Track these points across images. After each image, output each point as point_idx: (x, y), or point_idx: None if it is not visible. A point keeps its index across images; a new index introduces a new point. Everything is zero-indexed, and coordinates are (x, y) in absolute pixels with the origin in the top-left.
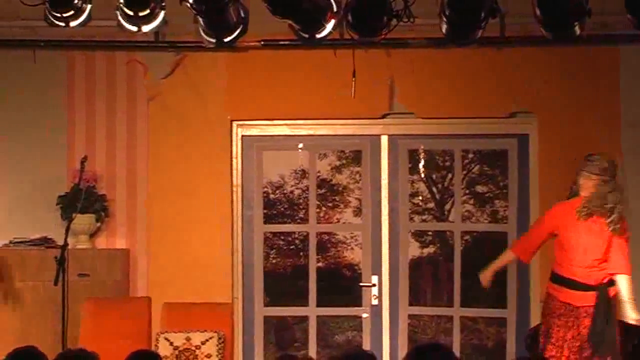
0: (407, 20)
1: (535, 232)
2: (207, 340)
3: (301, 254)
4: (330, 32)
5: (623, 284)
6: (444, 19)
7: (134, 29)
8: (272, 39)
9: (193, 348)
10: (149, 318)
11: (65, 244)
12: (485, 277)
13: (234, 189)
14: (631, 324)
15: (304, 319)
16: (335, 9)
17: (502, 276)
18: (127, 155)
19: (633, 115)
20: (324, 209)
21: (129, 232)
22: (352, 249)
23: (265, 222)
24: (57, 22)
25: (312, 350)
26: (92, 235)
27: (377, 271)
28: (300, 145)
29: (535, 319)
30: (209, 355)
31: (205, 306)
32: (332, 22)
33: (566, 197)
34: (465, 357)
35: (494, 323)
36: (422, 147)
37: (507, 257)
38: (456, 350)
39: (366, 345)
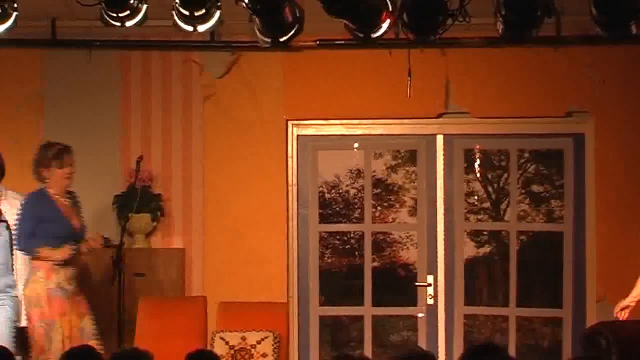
0: (462, 20)
1: None
2: (262, 340)
3: (357, 253)
4: (385, 32)
5: None
6: (500, 18)
7: (190, 29)
8: (328, 39)
9: (249, 347)
10: (205, 318)
11: (122, 244)
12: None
13: (290, 188)
14: None
15: (360, 318)
16: (391, 8)
17: (558, 276)
18: (183, 155)
19: None
20: (379, 208)
21: (185, 231)
22: (407, 248)
23: (320, 222)
24: (113, 22)
25: (368, 350)
26: (149, 235)
27: (433, 271)
28: (356, 145)
29: (591, 319)
30: (265, 355)
31: (260, 306)
32: (388, 22)
33: None
34: (520, 357)
35: (550, 323)
36: (477, 146)
37: None
38: (512, 350)
39: (422, 346)
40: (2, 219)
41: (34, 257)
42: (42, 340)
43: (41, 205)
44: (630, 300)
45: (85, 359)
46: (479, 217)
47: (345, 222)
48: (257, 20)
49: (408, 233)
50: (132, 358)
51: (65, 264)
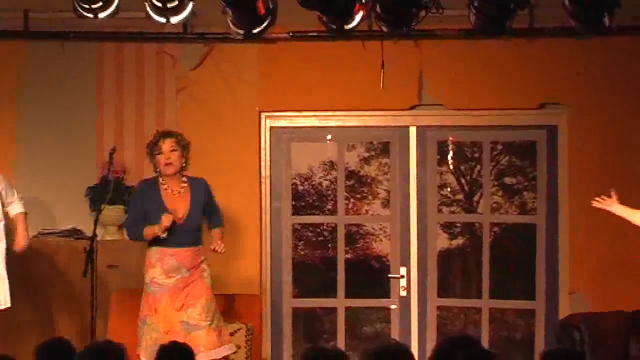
0: (435, 12)
1: None
2: (235, 332)
3: (329, 245)
4: (358, 24)
5: None
6: (473, 10)
7: (163, 20)
8: (301, 31)
9: None
10: None
11: (94, 235)
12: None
13: (263, 180)
14: None
15: (333, 310)
16: (363, 0)
17: (531, 268)
18: None
19: None
20: (352, 200)
21: None
22: (380, 240)
23: (293, 214)
24: (85, 14)
25: (341, 342)
26: (121, 226)
27: (406, 263)
28: (329, 137)
29: (563, 311)
30: (237, 347)
31: (233, 298)
32: (361, 13)
33: None
34: (494, 349)
35: (522, 315)
36: (450, 138)
37: None
38: (485, 342)
39: (395, 337)
40: None
41: (142, 240)
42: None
43: (145, 193)
44: (617, 208)
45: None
46: (452, 208)
47: (318, 214)
48: (230, 11)
49: (381, 225)
50: (105, 351)
51: (163, 257)
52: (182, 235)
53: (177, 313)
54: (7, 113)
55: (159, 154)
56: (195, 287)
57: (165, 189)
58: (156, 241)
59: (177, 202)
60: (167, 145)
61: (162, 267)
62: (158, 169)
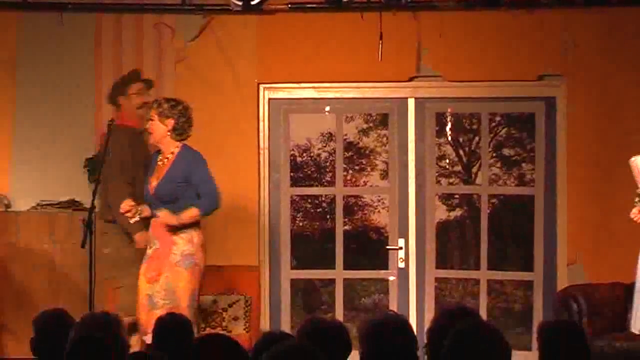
0: None
1: None
2: (233, 303)
3: (328, 217)
4: None
5: None
6: None
7: None
8: (300, 2)
9: (220, 311)
10: None
11: (93, 207)
12: None
13: (261, 152)
14: None
15: (331, 281)
16: None
17: (529, 239)
18: None
19: None
20: (350, 172)
21: None
22: (378, 212)
23: (292, 185)
24: None
25: (339, 313)
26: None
27: (404, 234)
28: (327, 108)
29: (561, 282)
30: (235, 318)
31: (231, 269)
32: None
33: None
34: (492, 320)
35: (520, 286)
36: (449, 110)
37: None
38: (483, 313)
39: (393, 309)
40: None
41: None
42: None
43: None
44: None
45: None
46: (450, 180)
47: (317, 185)
48: None
49: (379, 196)
50: (101, 322)
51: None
52: (154, 205)
53: (147, 285)
54: (5, 85)
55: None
56: (163, 261)
57: (160, 159)
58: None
59: (159, 170)
60: (149, 113)
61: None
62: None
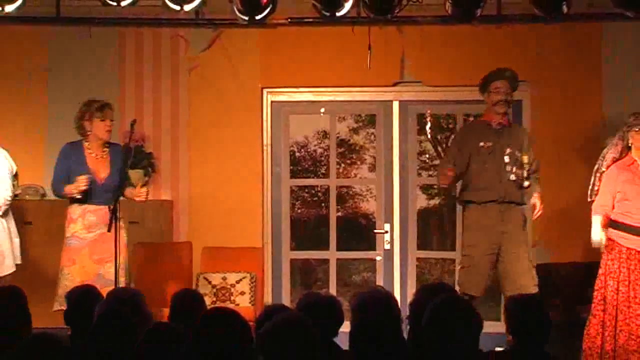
0: (416, 1)
1: (605, 196)
2: (241, 280)
3: (323, 204)
4: (348, 11)
5: None
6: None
7: (177, 8)
8: (298, 17)
9: (229, 286)
10: (190, 260)
11: (118, 196)
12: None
13: (264, 148)
14: None
15: (326, 261)
16: None
17: None
18: (171, 118)
19: (613, 83)
20: (342, 165)
21: (173, 185)
22: (367, 200)
23: (291, 177)
24: (109, 2)
25: (333, 289)
26: (141, 187)
27: (389, 220)
28: (322, 110)
29: None
30: (242, 293)
31: (239, 250)
32: (350, 1)
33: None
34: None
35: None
36: (428, 111)
37: (599, 221)
38: (458, 289)
39: (379, 284)
40: None
41: (70, 201)
42: (58, 286)
43: (70, 155)
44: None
45: (88, 297)
46: (430, 172)
47: (313, 177)
48: (236, 0)
49: (367, 186)
50: (125, 297)
51: (84, 213)
52: (102, 195)
53: (95, 265)
54: (40, 91)
55: (102, 119)
56: (108, 246)
57: (90, 152)
58: (79, 199)
59: (99, 164)
60: (110, 114)
61: (83, 223)
62: (89, 132)
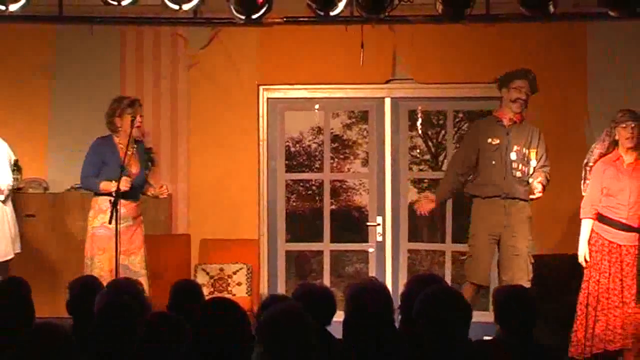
0: (407, 0)
1: (594, 193)
2: (237, 271)
3: (317, 198)
4: (342, 10)
5: None
6: None
7: (176, 7)
8: (294, 16)
9: (226, 277)
10: (189, 252)
11: (119, 189)
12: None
13: (261, 143)
14: None
15: (320, 253)
16: None
17: None
18: (171, 114)
19: (597, 81)
20: (336, 160)
21: (172, 179)
22: (360, 194)
23: (286, 171)
24: (110, 1)
25: (327, 280)
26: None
27: (381, 213)
28: (317, 106)
29: None
30: (239, 284)
31: (236, 242)
32: (344, 1)
33: (592, 156)
34: (455, 286)
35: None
36: (419, 108)
37: (588, 226)
38: (447, 280)
39: (372, 275)
40: None
41: (96, 193)
42: (85, 273)
43: (104, 149)
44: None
45: (89, 286)
46: (420, 167)
47: (308, 171)
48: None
49: (360, 180)
50: (125, 287)
51: (114, 204)
52: (132, 191)
53: (121, 256)
54: (44, 88)
55: (132, 115)
56: (137, 236)
57: (122, 148)
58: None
59: (130, 160)
60: (139, 110)
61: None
62: (119, 128)
